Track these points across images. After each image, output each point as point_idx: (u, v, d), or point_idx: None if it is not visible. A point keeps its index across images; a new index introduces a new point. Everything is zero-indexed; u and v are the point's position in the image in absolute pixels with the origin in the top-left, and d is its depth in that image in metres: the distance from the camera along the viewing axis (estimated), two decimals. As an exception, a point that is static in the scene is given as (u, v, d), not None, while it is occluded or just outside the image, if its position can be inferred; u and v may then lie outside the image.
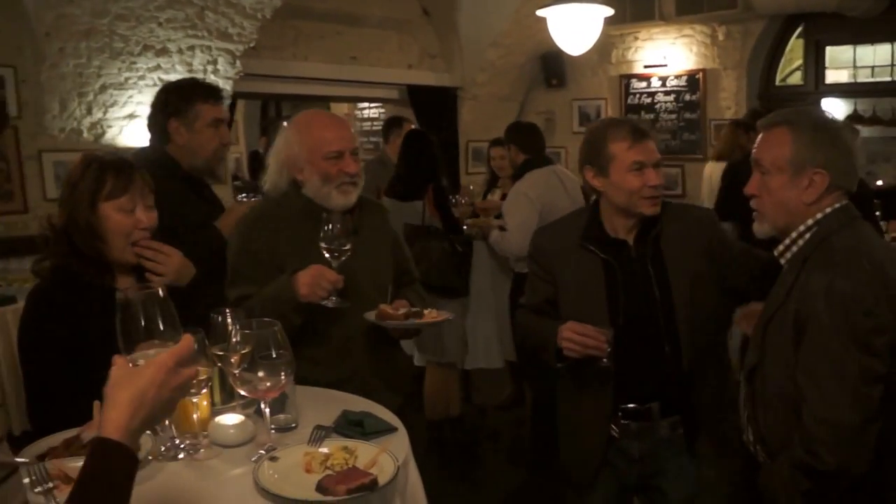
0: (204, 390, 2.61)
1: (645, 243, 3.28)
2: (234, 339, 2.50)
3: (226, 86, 7.61)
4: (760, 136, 2.83)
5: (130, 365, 1.85)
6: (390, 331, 3.42)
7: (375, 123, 14.01)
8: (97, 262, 2.99)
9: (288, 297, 3.21)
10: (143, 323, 1.94)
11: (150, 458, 2.34)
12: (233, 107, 8.30)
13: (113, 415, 1.72)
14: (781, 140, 2.73)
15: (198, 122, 3.84)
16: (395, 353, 3.69)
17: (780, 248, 2.80)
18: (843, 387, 2.46)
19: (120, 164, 3.02)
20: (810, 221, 2.71)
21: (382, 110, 13.46)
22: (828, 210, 2.69)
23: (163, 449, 2.49)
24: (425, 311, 3.37)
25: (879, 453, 2.49)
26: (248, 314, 2.98)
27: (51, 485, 2.10)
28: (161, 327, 1.96)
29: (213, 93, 3.93)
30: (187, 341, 1.88)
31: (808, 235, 2.71)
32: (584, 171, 3.35)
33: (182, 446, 2.53)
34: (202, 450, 2.56)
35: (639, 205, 3.22)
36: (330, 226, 3.21)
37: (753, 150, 2.84)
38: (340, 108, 14.26)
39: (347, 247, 3.23)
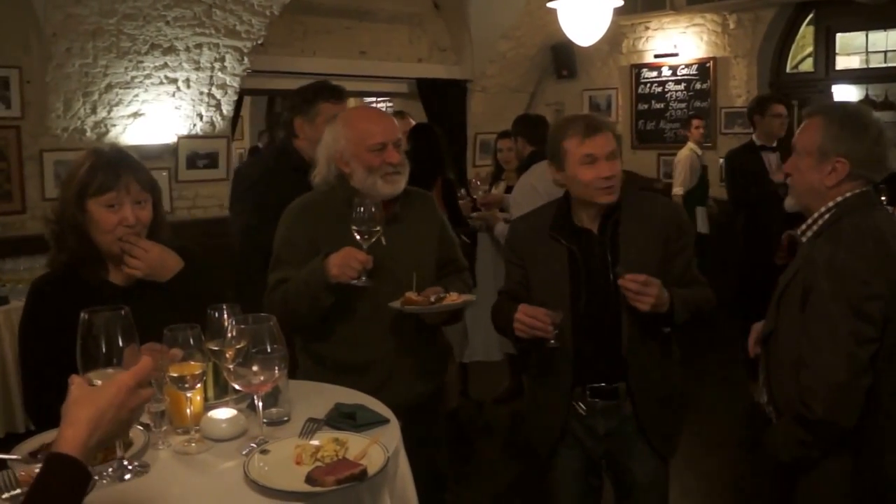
0: (198, 385, 2.62)
1: (605, 232, 3.41)
2: (229, 335, 2.51)
3: (233, 83, 7.66)
4: (803, 122, 3.12)
5: (86, 384, 1.86)
6: (424, 317, 3.49)
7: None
8: (90, 256, 3.02)
9: (320, 278, 3.34)
10: (103, 346, 1.97)
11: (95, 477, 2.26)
12: (239, 103, 8.32)
13: (70, 432, 1.72)
14: (814, 128, 3.02)
15: (318, 119, 4.21)
16: (431, 340, 3.74)
17: (804, 227, 3.06)
18: (836, 346, 2.77)
19: (110, 161, 3.02)
20: (830, 203, 2.97)
21: (391, 104, 13.40)
22: (847, 195, 2.95)
23: (110, 470, 2.37)
24: (448, 295, 3.42)
25: (866, 409, 2.80)
26: (284, 296, 3.40)
27: (18, 491, 2.09)
28: (120, 350, 1.97)
29: (334, 93, 4.31)
30: (146, 363, 1.89)
31: (827, 216, 2.98)
32: (549, 167, 3.57)
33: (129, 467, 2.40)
34: (194, 444, 2.58)
35: (594, 195, 3.36)
36: (361, 209, 3.32)
37: (795, 135, 3.13)
38: (348, 103, 14.01)
39: (377, 228, 3.33)
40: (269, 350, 2.48)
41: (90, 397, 1.77)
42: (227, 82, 7.66)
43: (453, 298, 3.41)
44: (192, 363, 2.50)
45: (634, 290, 3.13)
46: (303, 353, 3.67)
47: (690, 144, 9.77)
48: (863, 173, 2.96)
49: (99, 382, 1.88)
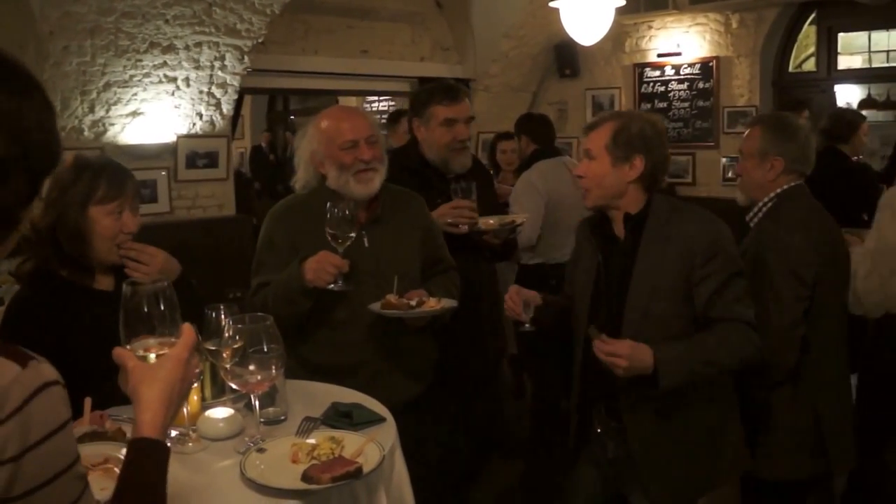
0: (195, 385, 2.62)
1: (628, 242, 3.27)
2: (226, 334, 2.51)
3: (233, 81, 7.62)
4: (747, 131, 3.89)
5: (134, 355, 1.90)
6: (406, 321, 3.50)
7: (384, 117, 13.67)
8: (78, 263, 3.07)
9: (296, 282, 3.36)
10: (146, 313, 1.98)
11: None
12: (239, 102, 8.29)
13: (149, 416, 1.78)
14: (755, 135, 3.79)
15: (432, 120, 4.29)
16: (417, 342, 3.72)
17: (751, 214, 3.81)
18: (779, 303, 3.49)
19: (114, 170, 3.12)
20: (771, 194, 3.73)
21: (392, 103, 13.48)
22: (785, 186, 3.72)
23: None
24: (429, 300, 3.43)
25: (802, 354, 3.54)
26: (264, 300, 3.41)
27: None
28: (164, 320, 1.98)
29: (447, 95, 4.32)
30: (190, 333, 1.93)
31: (770, 204, 3.74)
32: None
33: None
34: (190, 443, 2.57)
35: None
36: (336, 210, 3.33)
37: (742, 142, 3.93)
38: (349, 102, 14.00)
39: (351, 234, 3.35)
40: (265, 350, 2.50)
41: (154, 376, 1.82)
42: (228, 81, 7.59)
43: (432, 305, 3.42)
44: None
45: (604, 353, 2.96)
46: (288, 356, 3.63)
47: None
48: (796, 168, 3.72)
49: (143, 353, 1.92)
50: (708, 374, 3.11)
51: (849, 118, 6.46)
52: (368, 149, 3.54)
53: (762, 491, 3.75)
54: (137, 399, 1.80)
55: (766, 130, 3.76)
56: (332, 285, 3.33)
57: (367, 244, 3.49)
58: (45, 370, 1.40)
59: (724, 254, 3.13)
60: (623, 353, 2.92)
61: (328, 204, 3.36)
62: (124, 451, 1.78)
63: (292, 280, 3.37)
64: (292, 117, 18.76)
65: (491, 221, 4.24)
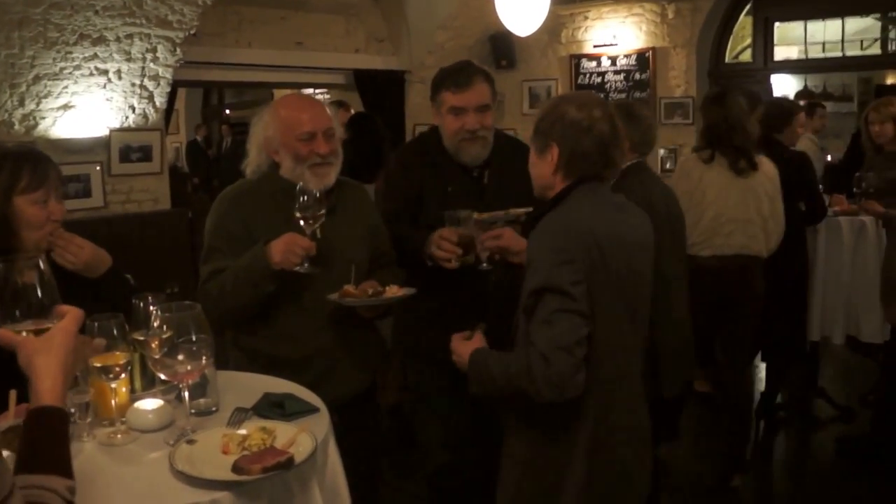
0: (123, 376, 2.58)
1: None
2: (154, 324, 2.46)
3: (166, 74, 7.56)
4: None
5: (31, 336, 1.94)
6: (360, 310, 3.49)
7: None
8: (7, 254, 3.00)
9: (261, 266, 3.32)
10: (21, 290, 1.99)
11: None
12: (173, 95, 8.24)
13: (47, 384, 1.81)
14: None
15: (442, 108, 4.08)
16: (367, 334, 3.73)
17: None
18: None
19: (36, 158, 3.08)
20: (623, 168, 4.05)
21: (328, 95, 13.37)
22: (630, 163, 4.35)
23: None
24: (387, 288, 3.43)
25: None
26: (221, 286, 3.35)
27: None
28: (40, 298, 2.00)
29: (456, 81, 4.02)
30: (76, 311, 1.99)
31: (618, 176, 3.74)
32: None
33: None
34: (119, 435, 2.52)
35: None
36: (305, 196, 3.32)
37: None
38: (281, 94, 13.98)
39: (322, 212, 3.34)
40: (194, 339, 2.44)
41: (48, 346, 1.86)
42: (160, 73, 7.52)
43: (394, 291, 3.42)
44: (117, 353, 2.51)
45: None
46: (234, 348, 3.64)
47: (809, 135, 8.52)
48: (638, 149, 4.41)
49: (25, 334, 1.94)
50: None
51: (785, 107, 6.49)
52: (326, 143, 3.50)
53: None
54: (33, 369, 1.82)
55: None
56: (299, 267, 3.31)
57: (318, 235, 3.41)
58: None
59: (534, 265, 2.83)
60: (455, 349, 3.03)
61: (298, 186, 3.34)
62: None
63: (257, 262, 3.32)
64: (227, 111, 18.63)
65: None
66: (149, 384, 2.82)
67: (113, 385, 2.56)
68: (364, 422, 3.68)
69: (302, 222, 3.33)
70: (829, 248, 6.63)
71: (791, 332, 6.50)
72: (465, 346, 2.96)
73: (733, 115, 5.23)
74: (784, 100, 8.38)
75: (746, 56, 10.82)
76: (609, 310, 2.76)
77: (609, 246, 2.74)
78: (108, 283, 3.16)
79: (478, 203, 3.81)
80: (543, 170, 2.96)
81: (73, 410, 2.48)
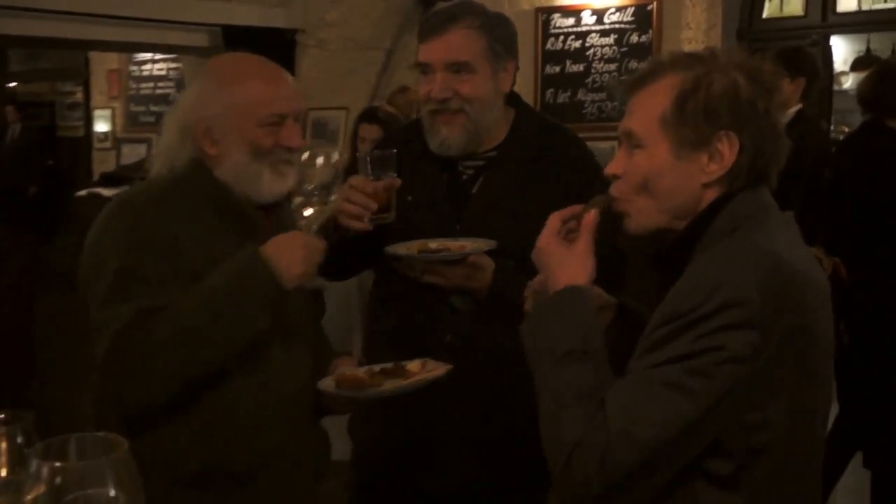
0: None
1: None
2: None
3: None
4: None
5: None
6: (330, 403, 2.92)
7: (162, 86, 12.12)
8: None
9: (263, 285, 2.54)
10: None
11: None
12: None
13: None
14: None
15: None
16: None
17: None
18: None
19: None
20: None
21: (176, 66, 11.49)
22: None
23: None
24: (408, 365, 2.80)
25: None
26: (174, 333, 2.51)
27: None
28: None
29: (423, 26, 3.23)
30: None
31: None
32: None
33: None
34: None
35: None
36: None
37: None
38: (107, 62, 12.23)
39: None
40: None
41: None
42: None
43: (430, 369, 2.81)
44: None
45: None
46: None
47: None
48: None
49: None
50: None
51: None
52: (296, 132, 2.76)
53: None
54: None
55: None
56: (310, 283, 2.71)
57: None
58: None
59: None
60: None
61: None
62: None
63: (252, 282, 2.50)
64: (13, 84, 15.91)
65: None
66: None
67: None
68: None
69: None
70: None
71: None
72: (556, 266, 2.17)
73: None
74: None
75: (794, 7, 8.91)
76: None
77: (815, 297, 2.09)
78: None
79: (453, 224, 3.09)
80: (690, 179, 2.13)
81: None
